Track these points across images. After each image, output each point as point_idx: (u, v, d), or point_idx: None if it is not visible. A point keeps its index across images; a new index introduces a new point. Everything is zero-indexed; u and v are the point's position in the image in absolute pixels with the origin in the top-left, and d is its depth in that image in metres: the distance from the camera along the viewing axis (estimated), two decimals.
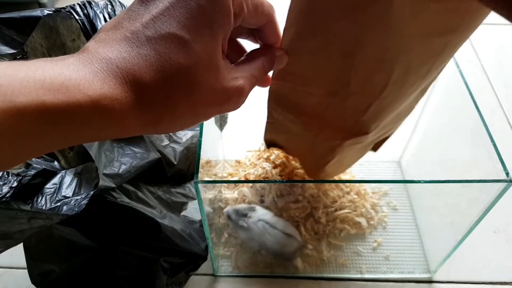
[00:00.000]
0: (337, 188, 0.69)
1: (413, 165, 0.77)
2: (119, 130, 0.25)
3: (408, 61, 0.36)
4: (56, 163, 0.53)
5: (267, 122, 0.52)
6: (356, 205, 0.69)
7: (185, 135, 0.61)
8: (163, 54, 0.25)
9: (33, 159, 0.49)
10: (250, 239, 0.62)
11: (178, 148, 0.58)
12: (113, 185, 0.47)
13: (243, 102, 0.32)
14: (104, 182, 0.46)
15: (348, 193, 0.70)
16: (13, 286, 0.64)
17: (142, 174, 0.52)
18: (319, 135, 0.48)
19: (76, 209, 0.41)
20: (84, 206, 0.42)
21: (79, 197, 0.42)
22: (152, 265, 0.55)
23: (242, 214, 0.61)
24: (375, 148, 0.58)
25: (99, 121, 0.23)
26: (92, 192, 0.43)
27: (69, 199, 0.42)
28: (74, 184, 0.45)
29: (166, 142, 0.58)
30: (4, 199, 0.38)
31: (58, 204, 0.41)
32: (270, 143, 0.59)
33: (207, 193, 0.55)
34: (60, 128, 0.22)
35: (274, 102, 0.47)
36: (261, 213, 0.62)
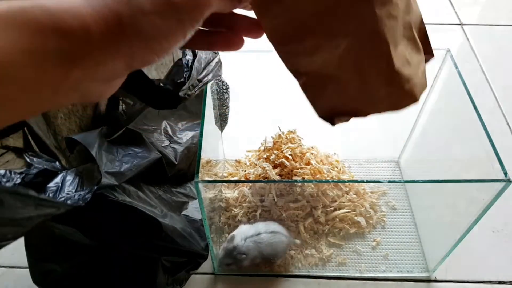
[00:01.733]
0: (336, 188, 0.69)
1: (411, 165, 0.77)
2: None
3: None
4: (57, 163, 0.53)
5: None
6: (355, 205, 0.70)
7: (185, 135, 0.61)
8: None
9: (34, 159, 0.49)
10: (253, 259, 0.62)
11: (179, 148, 0.59)
12: (115, 183, 0.47)
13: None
14: (106, 179, 0.46)
15: (347, 192, 0.70)
16: (14, 285, 0.64)
17: (143, 174, 0.53)
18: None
19: (81, 202, 0.41)
20: (88, 199, 0.42)
21: (82, 192, 0.43)
22: (153, 264, 0.56)
23: (233, 249, 0.61)
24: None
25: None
26: (95, 187, 0.43)
27: (73, 194, 0.42)
28: (76, 183, 0.45)
29: (166, 142, 0.58)
30: None
31: (62, 199, 0.41)
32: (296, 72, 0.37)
33: (208, 193, 0.56)
34: None
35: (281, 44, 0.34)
36: (242, 233, 0.61)
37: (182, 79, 0.51)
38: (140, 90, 0.51)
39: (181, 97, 0.51)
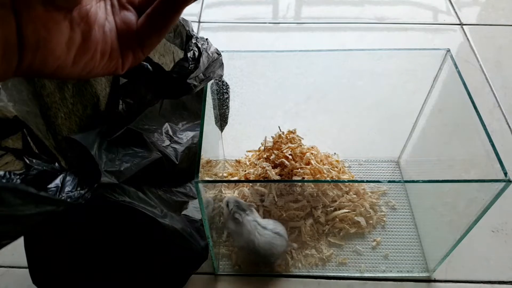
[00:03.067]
0: (336, 188, 0.69)
1: (411, 165, 0.77)
2: None
3: None
4: (56, 164, 0.53)
5: None
6: (355, 205, 0.70)
7: (186, 135, 0.61)
8: None
9: (33, 161, 0.49)
10: (238, 235, 0.63)
11: (180, 148, 0.59)
12: (115, 181, 0.47)
13: None
14: (106, 177, 0.46)
15: (347, 192, 0.70)
16: (14, 285, 0.64)
17: (144, 174, 0.53)
18: None
19: (81, 200, 0.41)
20: (88, 198, 0.42)
21: (82, 191, 0.43)
22: (153, 264, 0.56)
23: (242, 209, 0.62)
24: None
25: None
26: (95, 185, 0.43)
27: (73, 193, 0.42)
28: (75, 183, 0.45)
29: (167, 142, 0.58)
30: None
31: (62, 199, 0.41)
32: None
33: (208, 193, 0.56)
34: None
35: None
36: (257, 215, 0.63)
37: (190, 68, 0.51)
38: (147, 76, 0.51)
39: (189, 84, 0.50)
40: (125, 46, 0.30)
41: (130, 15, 0.30)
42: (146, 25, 0.30)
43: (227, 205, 0.63)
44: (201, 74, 0.52)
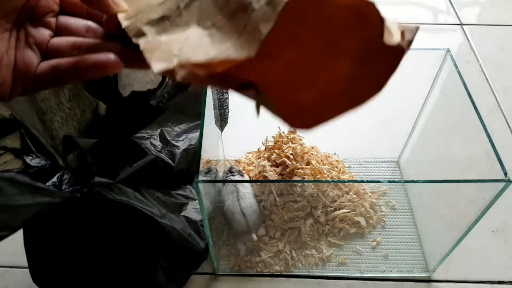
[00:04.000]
0: (336, 188, 0.69)
1: (411, 165, 0.77)
2: None
3: None
4: (54, 162, 0.53)
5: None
6: (355, 205, 0.70)
7: (183, 138, 0.61)
8: None
9: (32, 160, 0.49)
10: (216, 189, 0.64)
11: (176, 151, 0.59)
12: (110, 181, 0.47)
13: None
14: (101, 177, 0.46)
15: (347, 192, 0.70)
16: (14, 285, 0.64)
17: (140, 175, 0.53)
18: None
19: (76, 194, 0.42)
20: (84, 192, 0.42)
21: (78, 187, 0.43)
22: (152, 264, 0.56)
23: (231, 171, 0.67)
24: None
25: None
26: (91, 182, 0.44)
27: (69, 189, 0.43)
28: (72, 181, 0.45)
29: (163, 146, 0.58)
30: None
31: (57, 191, 0.41)
32: None
33: (207, 193, 0.56)
34: None
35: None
36: (244, 190, 0.63)
37: (154, 87, 0.50)
38: (110, 102, 0.51)
39: (154, 106, 0.50)
40: (17, 81, 0.29)
41: (33, 57, 0.29)
42: (47, 74, 0.29)
43: (226, 168, 0.68)
44: (172, 88, 0.51)
